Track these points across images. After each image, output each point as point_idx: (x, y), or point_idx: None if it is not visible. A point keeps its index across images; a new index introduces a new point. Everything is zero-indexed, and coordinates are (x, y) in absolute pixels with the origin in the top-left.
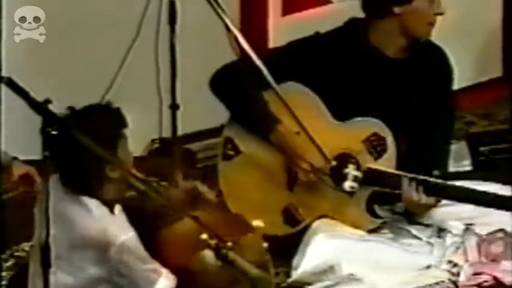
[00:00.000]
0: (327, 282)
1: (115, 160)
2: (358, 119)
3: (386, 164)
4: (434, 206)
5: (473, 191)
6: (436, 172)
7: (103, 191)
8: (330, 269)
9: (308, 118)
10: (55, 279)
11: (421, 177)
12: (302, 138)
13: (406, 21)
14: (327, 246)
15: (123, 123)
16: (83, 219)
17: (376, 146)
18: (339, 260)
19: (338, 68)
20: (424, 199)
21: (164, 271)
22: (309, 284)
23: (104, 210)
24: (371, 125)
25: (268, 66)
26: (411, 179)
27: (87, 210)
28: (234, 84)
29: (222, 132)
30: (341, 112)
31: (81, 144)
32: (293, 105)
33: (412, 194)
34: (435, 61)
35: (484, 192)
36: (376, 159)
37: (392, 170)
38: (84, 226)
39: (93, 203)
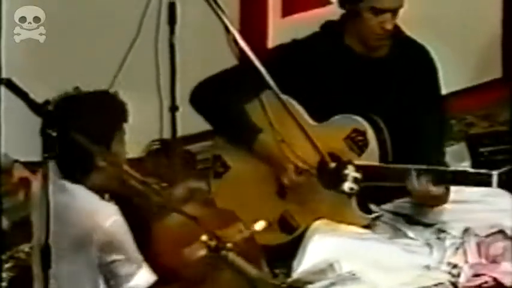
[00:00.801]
0: (327, 281)
1: (104, 152)
2: (336, 117)
3: (370, 157)
4: (447, 195)
5: (463, 171)
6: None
7: (90, 177)
8: (330, 268)
9: (290, 124)
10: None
11: (424, 167)
12: (284, 146)
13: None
14: (325, 244)
15: (124, 117)
16: (70, 204)
17: (357, 142)
18: (338, 258)
19: (316, 71)
20: (433, 189)
21: (144, 265)
22: (309, 283)
23: (92, 195)
24: (350, 122)
25: (248, 77)
26: (415, 171)
27: (73, 197)
28: (214, 100)
29: (210, 151)
30: (322, 114)
31: (73, 128)
32: (274, 113)
33: (421, 185)
34: (415, 58)
35: (476, 172)
36: (359, 155)
37: (393, 166)
38: (70, 210)
39: (78, 189)
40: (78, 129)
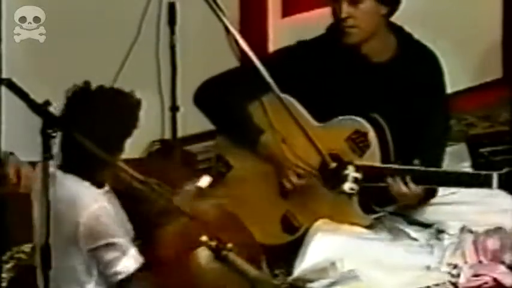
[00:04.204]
0: (328, 280)
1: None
2: (338, 118)
3: (371, 159)
4: (422, 196)
5: (463, 173)
6: (416, 161)
7: (97, 175)
8: (331, 266)
9: (292, 125)
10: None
11: (404, 167)
12: (286, 147)
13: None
14: (327, 243)
15: (135, 123)
16: (60, 195)
17: (358, 143)
18: (340, 257)
19: (322, 73)
20: (413, 188)
21: (132, 249)
22: (310, 281)
23: (81, 182)
24: (351, 123)
25: (252, 77)
26: (395, 170)
27: (63, 184)
28: (217, 100)
29: (212, 150)
30: (325, 115)
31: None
32: (276, 114)
33: (400, 186)
34: (421, 61)
35: (476, 173)
36: (360, 156)
37: (376, 164)
38: (60, 202)
39: (69, 178)
40: (89, 133)
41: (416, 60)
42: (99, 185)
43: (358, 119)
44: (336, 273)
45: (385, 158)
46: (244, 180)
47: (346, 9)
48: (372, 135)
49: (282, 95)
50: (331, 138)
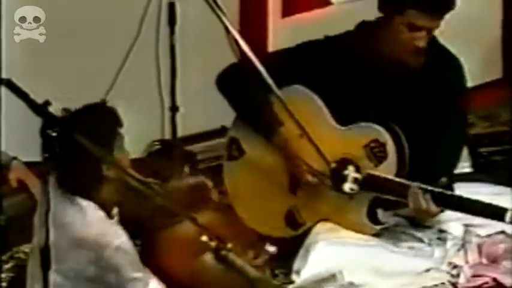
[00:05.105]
0: None
1: (111, 159)
2: (361, 124)
3: (387, 170)
4: (439, 213)
5: (478, 202)
6: (443, 180)
7: (100, 191)
8: (332, 277)
9: (311, 122)
10: (51, 281)
11: (429, 187)
12: (304, 142)
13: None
14: (327, 253)
15: (117, 122)
16: (80, 223)
17: (376, 153)
18: (340, 267)
19: (346, 72)
20: (433, 208)
21: (153, 282)
22: None
23: (101, 214)
24: (372, 131)
25: (274, 68)
26: (419, 188)
27: (84, 215)
28: (241, 85)
29: (227, 132)
30: (347, 117)
31: (77, 145)
32: (296, 109)
33: (421, 203)
34: (447, 69)
35: (490, 204)
36: (376, 165)
37: (399, 179)
38: (80, 230)
39: (89, 206)
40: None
41: (443, 67)
42: (106, 210)
43: (379, 128)
44: (335, 285)
45: (400, 172)
46: (255, 168)
47: (426, 39)
48: (390, 146)
49: (310, 93)
50: (349, 142)
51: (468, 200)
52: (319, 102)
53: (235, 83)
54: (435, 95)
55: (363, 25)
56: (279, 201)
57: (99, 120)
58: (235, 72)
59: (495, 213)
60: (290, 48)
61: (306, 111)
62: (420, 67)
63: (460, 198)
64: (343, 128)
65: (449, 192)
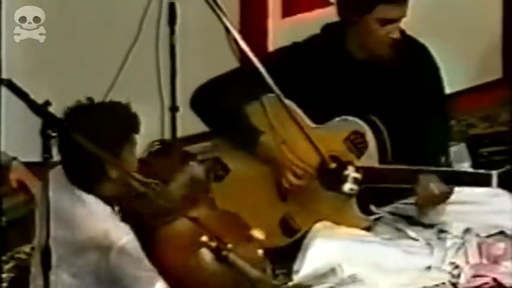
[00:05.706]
0: (328, 285)
1: (113, 160)
2: (336, 119)
3: (369, 159)
4: (449, 195)
5: (456, 171)
6: (443, 158)
7: (101, 187)
8: (331, 272)
9: (289, 125)
10: (56, 280)
11: (433, 168)
12: (287, 147)
13: (362, 33)
14: (327, 248)
15: (133, 128)
16: (85, 220)
17: (356, 144)
18: (340, 261)
19: (316, 74)
20: (444, 187)
21: (159, 281)
22: (311, 286)
23: (107, 209)
24: (349, 124)
25: (250, 79)
26: (397, 171)
27: (89, 211)
28: (214, 102)
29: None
30: (322, 117)
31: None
32: (274, 115)
33: (430, 185)
34: (417, 59)
35: (467, 172)
36: (358, 157)
37: (404, 166)
38: (86, 227)
39: (92, 200)
40: (89, 137)
41: (412, 57)
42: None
43: (355, 119)
44: (336, 279)
45: (382, 159)
46: (242, 183)
47: (398, 28)
48: (369, 136)
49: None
50: (329, 139)
51: (452, 171)
52: (292, 105)
53: (208, 102)
54: (415, 82)
55: (329, 27)
56: (271, 211)
57: (115, 120)
58: (206, 91)
59: (482, 179)
60: (262, 57)
61: (283, 117)
62: (386, 59)
63: (443, 171)
64: (319, 126)
65: (429, 168)
